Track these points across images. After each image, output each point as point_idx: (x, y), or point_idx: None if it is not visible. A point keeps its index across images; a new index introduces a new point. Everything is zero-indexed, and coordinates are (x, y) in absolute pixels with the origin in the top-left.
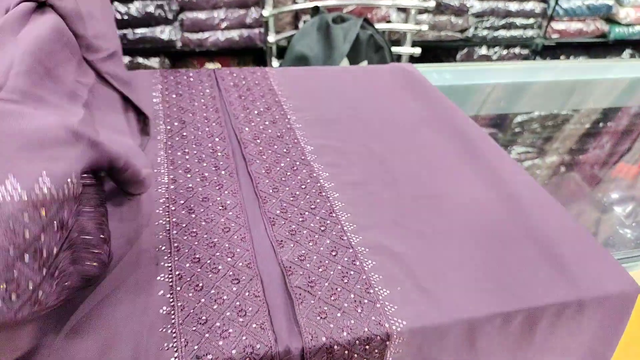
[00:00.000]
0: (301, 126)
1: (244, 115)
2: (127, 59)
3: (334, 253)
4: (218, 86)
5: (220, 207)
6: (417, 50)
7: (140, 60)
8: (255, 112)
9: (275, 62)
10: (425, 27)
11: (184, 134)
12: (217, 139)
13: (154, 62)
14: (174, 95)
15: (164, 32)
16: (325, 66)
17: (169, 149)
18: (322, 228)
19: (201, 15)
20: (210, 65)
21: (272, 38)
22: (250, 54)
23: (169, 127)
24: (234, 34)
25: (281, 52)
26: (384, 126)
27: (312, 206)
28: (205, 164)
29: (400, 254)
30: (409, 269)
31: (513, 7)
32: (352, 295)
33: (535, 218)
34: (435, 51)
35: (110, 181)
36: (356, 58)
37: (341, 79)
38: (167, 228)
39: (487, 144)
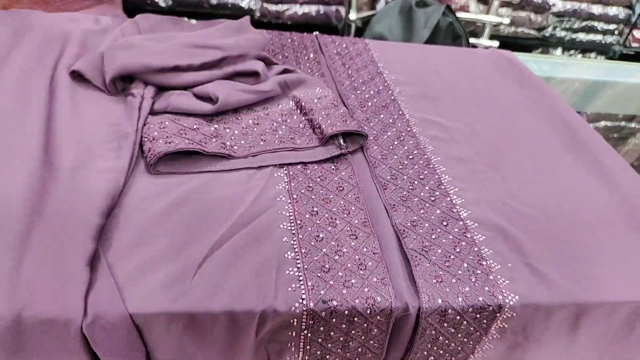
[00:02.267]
0: (405, 99)
1: (349, 83)
2: None
3: (444, 223)
4: (322, 52)
5: (333, 167)
6: (495, 44)
7: None
8: (360, 80)
9: None
10: (507, 21)
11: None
12: None
13: None
14: (280, 57)
15: (245, 1)
16: (422, 45)
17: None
18: (432, 198)
19: None
20: None
21: (353, 16)
22: (323, 31)
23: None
24: (312, 9)
25: (357, 32)
26: (485, 108)
27: (421, 176)
28: None
29: (508, 232)
30: (518, 247)
31: (596, 10)
32: (466, 265)
33: None
34: (509, 47)
35: None
36: (433, 44)
37: (440, 57)
38: (286, 180)
39: (591, 135)
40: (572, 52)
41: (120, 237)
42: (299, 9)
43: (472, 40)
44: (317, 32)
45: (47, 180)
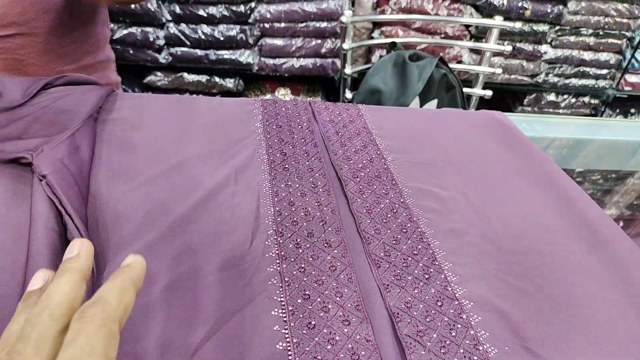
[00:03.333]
0: (397, 167)
1: (342, 152)
2: (205, 78)
3: (439, 303)
4: (315, 119)
5: (325, 245)
6: (489, 93)
7: (216, 79)
8: (353, 149)
9: (348, 94)
10: (499, 71)
11: (286, 166)
12: (317, 175)
13: (229, 82)
14: (274, 127)
15: (243, 56)
16: (416, 107)
17: (273, 180)
18: (426, 276)
19: (279, 42)
20: (281, 91)
21: (348, 70)
22: (320, 82)
23: (271, 159)
24: (309, 62)
25: (353, 84)
26: (478, 174)
27: (415, 252)
28: (307, 199)
29: (505, 311)
30: (515, 328)
31: (587, 56)
32: (462, 351)
33: None
34: (503, 94)
35: None
36: (427, 96)
37: (432, 122)
38: (277, 261)
39: (585, 202)
40: (565, 96)
41: None
42: (296, 62)
43: (466, 90)
44: (314, 98)
45: None
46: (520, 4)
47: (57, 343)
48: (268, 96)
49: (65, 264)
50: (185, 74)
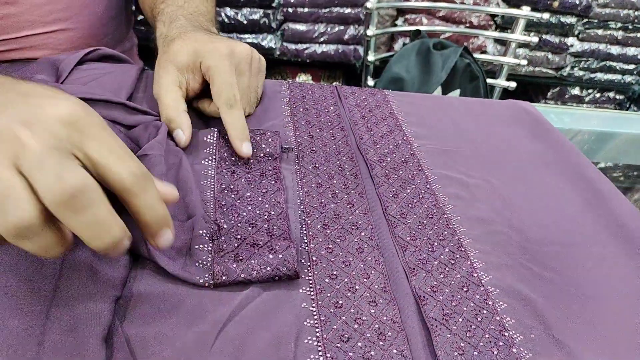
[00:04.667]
0: (424, 154)
1: (368, 137)
2: None
3: (465, 289)
4: (342, 104)
5: (353, 227)
6: (512, 84)
7: None
8: (379, 134)
9: (370, 81)
10: (524, 62)
11: (313, 148)
12: (344, 158)
13: None
14: (301, 109)
15: (266, 40)
16: (442, 95)
17: (301, 162)
18: (452, 261)
19: (302, 27)
20: (302, 76)
21: (371, 57)
22: (341, 69)
23: (299, 140)
24: (331, 48)
25: (375, 71)
26: (504, 163)
27: (441, 237)
28: (335, 181)
29: (531, 299)
30: (541, 316)
31: (615, 50)
32: (487, 335)
33: None
34: (526, 86)
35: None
36: (450, 86)
37: (458, 109)
38: (305, 241)
39: (614, 195)
40: (590, 91)
41: (136, 307)
42: (318, 48)
43: (489, 80)
44: (337, 83)
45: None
46: None
47: None
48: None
49: None
50: None
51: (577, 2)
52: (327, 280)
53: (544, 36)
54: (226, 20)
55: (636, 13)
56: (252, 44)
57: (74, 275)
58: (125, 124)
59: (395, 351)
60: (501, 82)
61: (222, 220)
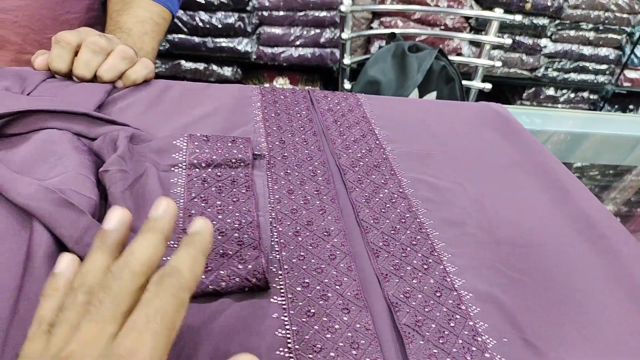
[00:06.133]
0: (396, 157)
1: (340, 141)
2: (202, 66)
3: (438, 294)
4: (314, 108)
5: (325, 233)
6: (488, 86)
7: (214, 67)
8: (352, 139)
9: (347, 84)
10: (499, 64)
11: (285, 154)
12: (316, 163)
13: (227, 71)
14: (272, 114)
15: (241, 44)
16: (415, 98)
17: (272, 168)
18: (425, 266)
19: (278, 30)
20: (280, 80)
21: (347, 60)
22: (318, 72)
23: (270, 146)
24: (307, 52)
25: (352, 74)
26: (475, 165)
27: (413, 242)
28: (307, 187)
29: (503, 303)
30: (513, 319)
31: (587, 51)
32: (460, 341)
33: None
34: (502, 87)
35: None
36: (426, 88)
37: (431, 112)
38: (277, 249)
39: (584, 194)
40: (564, 91)
41: None
42: (295, 52)
43: (465, 82)
44: (314, 87)
45: None
46: None
47: (134, 298)
48: (266, 85)
49: (149, 222)
50: (182, 62)
51: (549, 4)
52: (298, 288)
53: (517, 37)
54: (200, 24)
55: (606, 14)
56: (227, 48)
57: (32, 292)
58: (91, 137)
59: (368, 359)
60: (477, 83)
61: None
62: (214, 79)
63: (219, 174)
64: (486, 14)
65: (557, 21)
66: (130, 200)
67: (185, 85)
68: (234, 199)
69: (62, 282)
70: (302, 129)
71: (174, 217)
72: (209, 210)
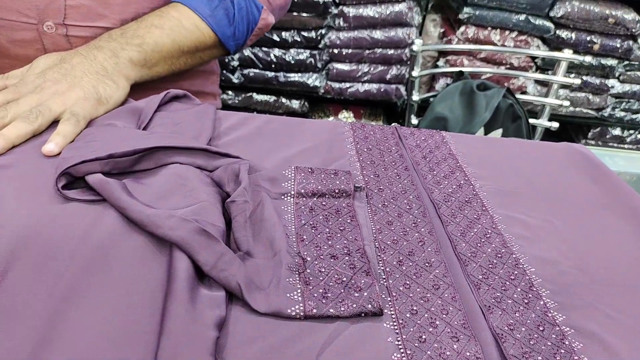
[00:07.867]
0: (486, 194)
1: (431, 177)
2: (272, 98)
3: (541, 328)
4: (403, 144)
5: (427, 264)
6: (555, 124)
7: (283, 100)
8: (442, 174)
9: (414, 120)
10: (567, 103)
11: (380, 187)
12: (411, 197)
13: (295, 104)
14: (364, 149)
15: (311, 79)
16: (497, 137)
17: (370, 200)
18: (525, 301)
19: (346, 67)
20: (344, 113)
21: (416, 97)
22: (381, 106)
23: (366, 179)
24: (373, 87)
25: (419, 110)
26: (563, 204)
27: (512, 277)
28: (404, 219)
29: (605, 340)
30: (617, 357)
31: None
32: None
33: None
34: (566, 126)
35: None
36: (492, 125)
37: (515, 152)
38: (383, 277)
39: None
40: (631, 131)
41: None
42: (361, 87)
43: (531, 120)
44: (396, 124)
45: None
46: (588, 38)
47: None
48: (331, 118)
49: None
50: (254, 94)
51: (618, 45)
52: (408, 315)
53: (584, 77)
54: (274, 60)
55: None
56: (297, 82)
57: (176, 311)
58: (209, 169)
59: None
60: (543, 122)
61: (305, 253)
62: (282, 111)
63: (324, 203)
64: (556, 54)
65: (626, 62)
66: (250, 227)
67: (282, 121)
68: (341, 228)
69: None
70: (393, 163)
71: None
72: (319, 236)
